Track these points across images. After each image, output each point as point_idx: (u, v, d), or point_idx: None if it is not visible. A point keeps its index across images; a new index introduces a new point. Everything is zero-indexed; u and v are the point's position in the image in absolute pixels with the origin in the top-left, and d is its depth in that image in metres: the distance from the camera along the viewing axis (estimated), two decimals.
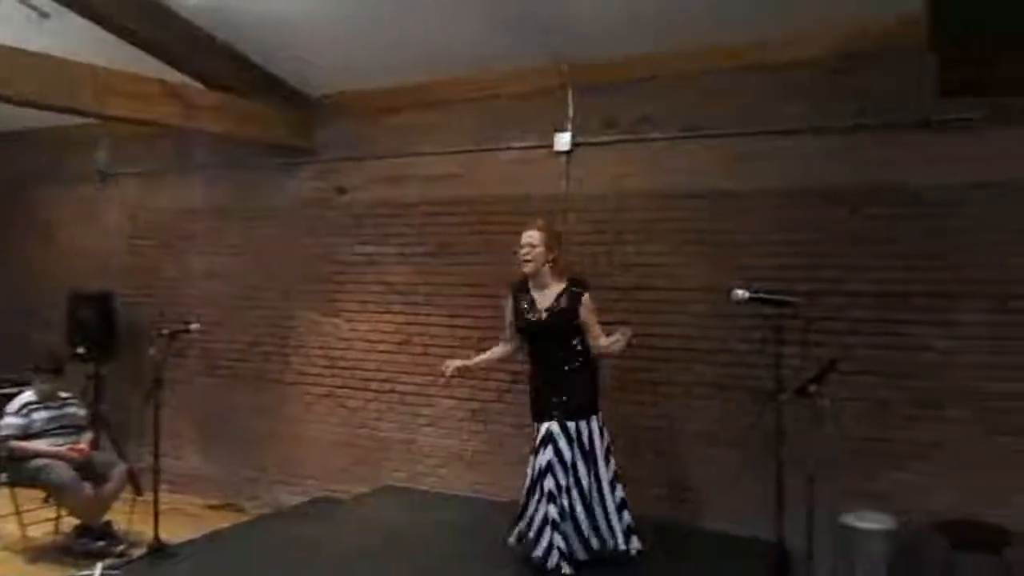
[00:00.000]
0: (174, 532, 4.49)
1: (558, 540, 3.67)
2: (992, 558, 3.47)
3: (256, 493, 5.87)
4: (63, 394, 5.04)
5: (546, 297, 3.85)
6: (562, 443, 3.73)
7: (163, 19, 4.67)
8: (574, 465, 3.76)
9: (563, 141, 4.86)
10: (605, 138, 4.76)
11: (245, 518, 5.40)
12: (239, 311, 6.04)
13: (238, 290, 6.07)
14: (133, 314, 6.23)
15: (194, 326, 4.68)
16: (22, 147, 6.95)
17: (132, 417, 5.55)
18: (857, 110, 4.12)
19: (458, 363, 4.10)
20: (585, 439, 3.80)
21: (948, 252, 3.96)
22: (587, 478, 3.78)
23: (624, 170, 4.73)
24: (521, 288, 3.94)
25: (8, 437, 4.69)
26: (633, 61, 4.56)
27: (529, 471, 3.84)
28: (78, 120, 5.60)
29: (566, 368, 3.80)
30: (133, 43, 4.68)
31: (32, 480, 4.66)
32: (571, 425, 3.76)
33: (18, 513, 4.76)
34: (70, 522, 4.87)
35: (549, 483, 3.69)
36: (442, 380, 4.17)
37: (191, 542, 4.40)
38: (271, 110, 5.46)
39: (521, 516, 3.88)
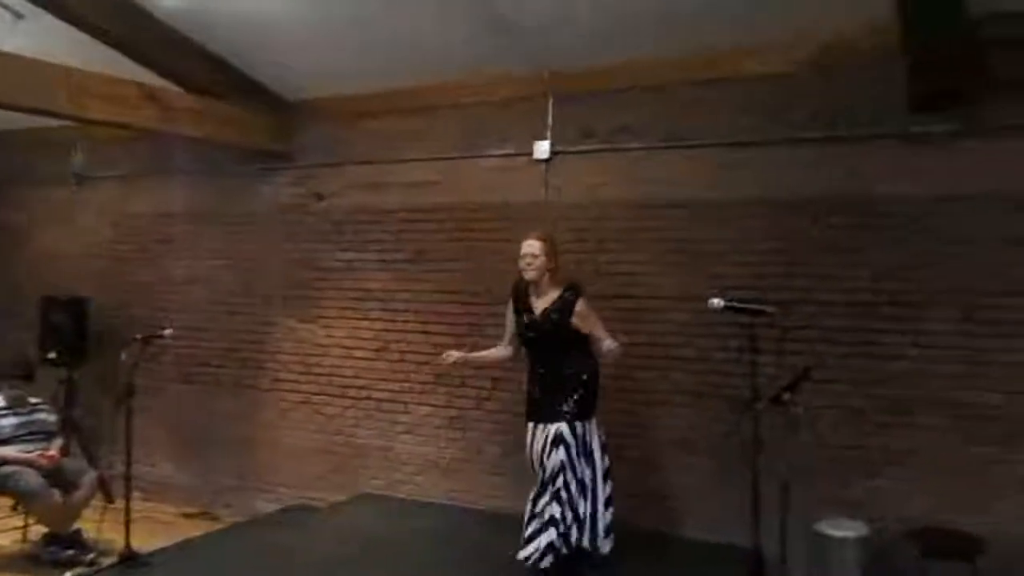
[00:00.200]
0: (146, 541, 4.43)
1: (557, 541, 3.76)
2: (964, 566, 3.50)
3: (230, 501, 5.81)
4: (33, 399, 4.97)
5: (543, 303, 3.97)
6: (572, 445, 3.84)
7: (139, 21, 4.63)
8: (580, 465, 3.86)
9: (542, 149, 4.87)
10: (584, 147, 4.79)
11: (219, 526, 5.33)
12: (215, 317, 5.98)
13: (215, 296, 6.01)
14: (107, 319, 6.15)
15: (167, 332, 4.64)
16: None
17: (104, 423, 5.47)
18: (829, 122, 4.17)
19: (458, 354, 4.16)
20: (588, 439, 3.90)
21: (916, 263, 4.02)
22: (588, 475, 3.88)
23: (602, 179, 4.75)
24: (521, 294, 4.05)
25: None
26: (612, 71, 4.59)
27: (540, 470, 3.87)
28: (53, 122, 5.54)
29: (567, 371, 3.90)
30: (108, 44, 4.63)
31: (0, 487, 4.58)
32: (578, 425, 3.86)
33: None
34: (39, 530, 4.78)
35: (559, 483, 3.80)
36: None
37: (163, 551, 4.34)
38: (249, 114, 5.43)
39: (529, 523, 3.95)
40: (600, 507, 3.90)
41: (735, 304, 3.56)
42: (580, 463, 3.86)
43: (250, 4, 4.48)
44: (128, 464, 4.32)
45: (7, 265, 6.93)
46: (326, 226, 5.63)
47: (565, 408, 3.86)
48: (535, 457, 3.92)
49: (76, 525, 4.72)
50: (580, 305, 3.90)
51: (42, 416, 4.96)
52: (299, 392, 5.69)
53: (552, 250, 3.96)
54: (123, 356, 4.39)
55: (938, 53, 3.50)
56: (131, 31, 4.63)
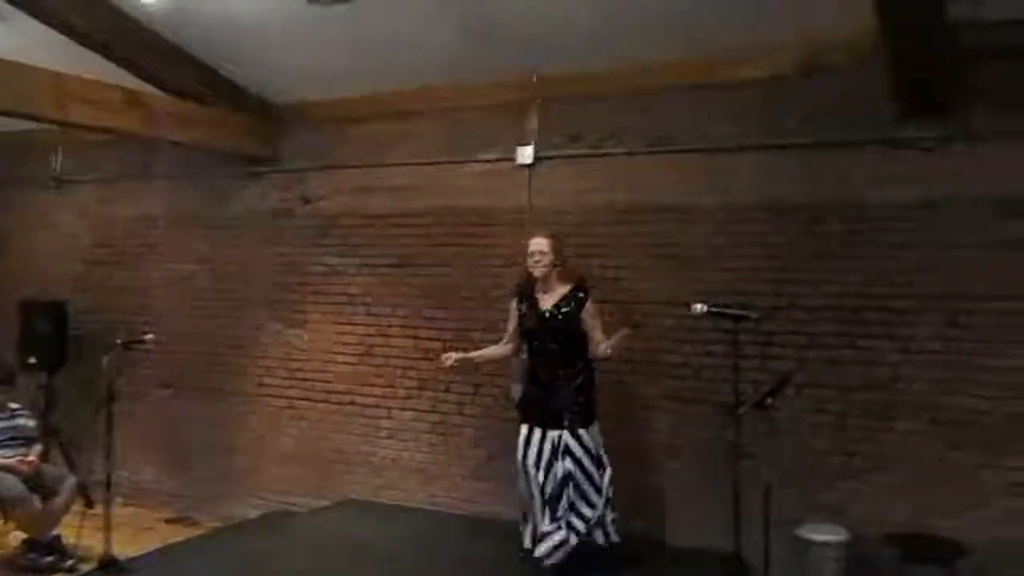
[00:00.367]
0: (127, 546, 4.40)
1: (572, 540, 3.86)
2: (943, 570, 3.53)
3: (212, 506, 5.76)
4: (12, 405, 4.91)
5: (549, 300, 4.04)
6: (578, 452, 3.91)
7: (122, 23, 4.59)
8: (590, 468, 3.93)
9: (526, 154, 4.89)
10: (569, 152, 4.81)
11: (201, 532, 5.29)
12: (198, 321, 5.94)
13: (198, 300, 5.98)
14: (88, 324, 6.10)
15: (149, 336, 4.61)
16: None
17: (85, 428, 5.42)
18: (814, 127, 4.21)
19: (457, 355, 4.20)
20: (588, 443, 3.94)
21: (900, 268, 4.05)
22: (596, 475, 3.94)
23: (587, 184, 4.77)
24: (526, 291, 4.12)
25: None
26: (597, 76, 4.61)
27: (534, 472, 3.93)
28: (34, 125, 5.49)
29: (569, 372, 3.96)
30: (92, 48, 4.59)
31: None
32: (582, 432, 3.93)
33: None
34: (18, 536, 4.73)
35: (571, 491, 3.90)
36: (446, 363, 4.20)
37: (144, 556, 4.30)
38: (234, 118, 5.41)
39: (527, 520, 4.05)
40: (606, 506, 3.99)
41: (717, 309, 3.59)
42: (591, 466, 3.93)
43: (234, 7, 4.46)
44: (109, 470, 4.28)
45: None
46: (311, 230, 5.61)
47: (569, 414, 3.92)
48: (531, 461, 3.94)
49: (56, 531, 4.67)
50: (590, 304, 4.01)
51: (21, 421, 4.90)
52: (283, 397, 5.66)
53: (559, 248, 4.06)
54: (104, 361, 4.36)
55: (920, 62, 3.54)
56: (114, 34, 4.59)
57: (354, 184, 5.46)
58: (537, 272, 4.05)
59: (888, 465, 4.04)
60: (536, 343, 4.08)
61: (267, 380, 5.72)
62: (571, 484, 3.90)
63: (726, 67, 4.34)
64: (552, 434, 3.93)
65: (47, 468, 4.79)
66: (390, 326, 5.32)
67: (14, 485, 4.47)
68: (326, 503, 5.24)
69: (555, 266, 4.04)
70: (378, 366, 5.34)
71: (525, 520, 4.10)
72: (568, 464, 3.89)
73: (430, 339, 5.13)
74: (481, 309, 4.95)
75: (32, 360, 5.75)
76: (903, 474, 4.00)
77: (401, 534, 4.62)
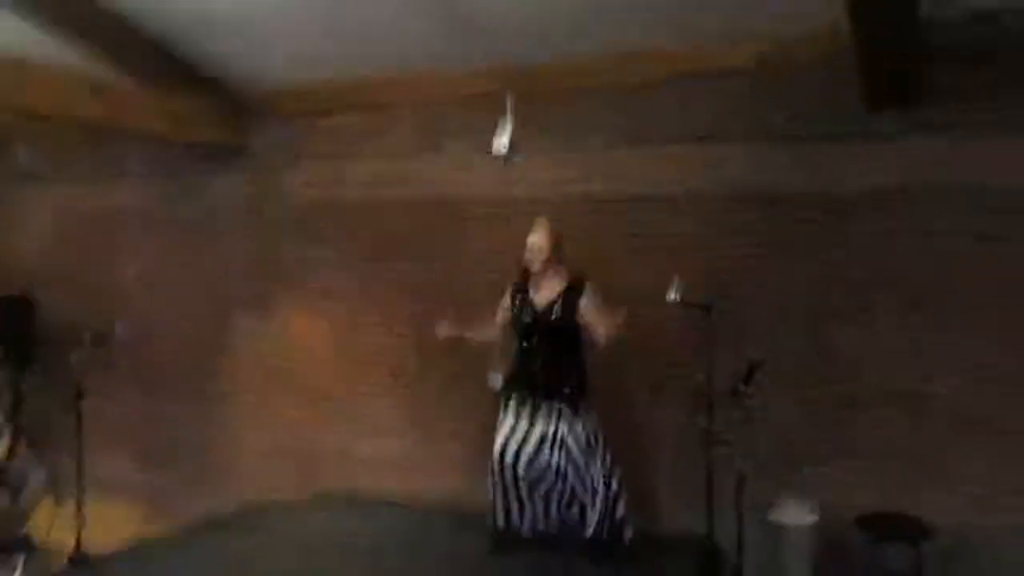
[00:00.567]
0: (98, 543, 4.32)
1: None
2: (910, 550, 3.61)
3: (186, 502, 5.68)
4: None
5: (546, 295, 4.03)
6: (571, 443, 3.94)
7: (87, 10, 4.49)
8: (581, 459, 3.97)
9: (502, 145, 4.87)
10: (547, 143, 4.80)
11: (174, 528, 5.23)
12: (170, 316, 5.87)
13: (169, 295, 5.90)
14: (56, 319, 5.99)
15: (118, 327, 4.54)
16: None
17: (54, 424, 5.32)
18: (787, 118, 4.26)
19: (449, 328, 4.17)
20: (580, 431, 3.96)
21: (866, 256, 4.13)
22: (593, 465, 3.97)
23: (565, 175, 4.77)
24: (521, 285, 4.10)
25: None
26: (575, 67, 4.61)
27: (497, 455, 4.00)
28: None
29: (561, 365, 3.98)
30: (53, 34, 4.48)
31: None
32: (578, 424, 3.95)
33: None
34: None
35: (566, 483, 3.96)
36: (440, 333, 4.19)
37: (115, 553, 4.25)
38: (203, 109, 5.33)
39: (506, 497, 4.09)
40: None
41: (687, 299, 3.65)
42: (582, 455, 3.95)
43: None
44: (79, 466, 4.22)
45: None
46: (284, 224, 5.56)
47: (560, 406, 3.94)
48: (524, 456, 3.97)
49: (24, 528, 4.59)
50: (585, 300, 3.98)
51: None
52: (257, 392, 5.61)
53: (556, 243, 4.04)
54: (72, 357, 4.28)
55: (890, 57, 3.60)
56: (80, 21, 4.50)
57: (328, 176, 5.42)
58: (534, 268, 4.04)
59: (857, 449, 4.12)
60: (527, 338, 4.06)
61: (242, 375, 5.66)
62: (567, 475, 3.92)
63: (701, 58, 4.35)
64: (543, 427, 3.95)
65: (14, 464, 4.72)
66: (366, 320, 5.29)
67: None
68: (302, 498, 5.21)
69: (554, 262, 4.02)
70: (354, 360, 5.31)
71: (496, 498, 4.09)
72: (561, 458, 3.92)
73: (406, 333, 5.11)
74: (457, 301, 4.92)
75: None
76: (872, 457, 4.09)
77: (383, 529, 4.60)
